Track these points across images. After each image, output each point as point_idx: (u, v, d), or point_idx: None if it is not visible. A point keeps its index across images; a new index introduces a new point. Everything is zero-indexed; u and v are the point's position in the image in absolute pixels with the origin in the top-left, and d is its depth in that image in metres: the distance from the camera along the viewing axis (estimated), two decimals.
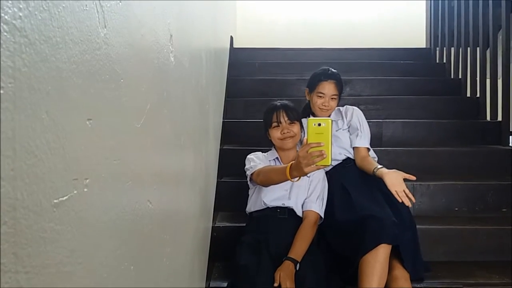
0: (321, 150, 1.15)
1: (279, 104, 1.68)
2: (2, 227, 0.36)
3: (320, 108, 1.78)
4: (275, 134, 1.65)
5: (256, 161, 1.63)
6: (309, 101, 1.85)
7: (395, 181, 1.49)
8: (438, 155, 2.29)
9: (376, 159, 1.79)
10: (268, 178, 1.49)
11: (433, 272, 1.59)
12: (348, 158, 1.78)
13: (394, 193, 1.47)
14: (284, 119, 1.63)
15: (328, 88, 1.76)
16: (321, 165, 1.18)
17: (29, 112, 0.40)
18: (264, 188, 1.61)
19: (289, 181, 1.36)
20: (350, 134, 1.81)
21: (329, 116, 1.82)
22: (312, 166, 1.17)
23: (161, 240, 0.89)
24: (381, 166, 1.60)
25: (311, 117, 1.53)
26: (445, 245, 1.79)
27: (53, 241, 0.44)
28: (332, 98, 1.76)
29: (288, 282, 1.35)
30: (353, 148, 1.78)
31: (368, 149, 1.78)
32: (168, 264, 0.95)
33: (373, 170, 1.59)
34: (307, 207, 1.61)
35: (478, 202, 2.04)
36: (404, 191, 1.46)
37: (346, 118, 1.84)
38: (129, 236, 0.69)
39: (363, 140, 1.76)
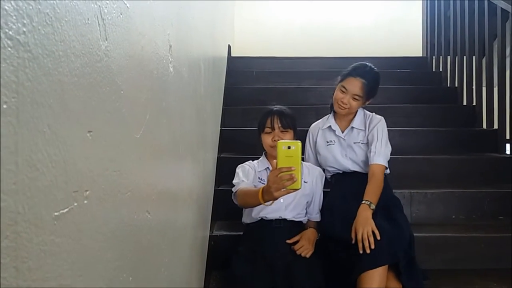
0: (291, 174, 1.13)
1: (274, 109, 1.60)
2: (4, 241, 0.36)
3: (338, 104, 1.66)
4: (266, 140, 1.60)
5: (240, 176, 1.57)
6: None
7: (362, 222, 1.43)
8: (435, 163, 2.30)
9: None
10: (245, 202, 1.47)
11: (431, 280, 1.59)
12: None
13: (354, 235, 1.41)
14: (277, 125, 1.56)
15: (353, 84, 1.62)
16: (291, 189, 1.16)
17: (31, 126, 0.40)
18: None
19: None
20: (368, 147, 1.68)
21: (353, 120, 1.73)
22: (282, 190, 1.16)
23: (159, 250, 0.89)
24: (368, 202, 1.50)
25: (281, 140, 1.41)
26: (443, 253, 1.80)
27: (53, 254, 0.44)
28: (354, 98, 1.63)
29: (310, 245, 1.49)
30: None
31: (386, 168, 1.64)
32: (166, 274, 0.95)
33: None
34: (311, 218, 1.67)
35: (475, 210, 2.05)
36: (367, 233, 1.38)
37: (367, 129, 1.70)
38: (128, 247, 0.69)
39: (377, 156, 1.62)
